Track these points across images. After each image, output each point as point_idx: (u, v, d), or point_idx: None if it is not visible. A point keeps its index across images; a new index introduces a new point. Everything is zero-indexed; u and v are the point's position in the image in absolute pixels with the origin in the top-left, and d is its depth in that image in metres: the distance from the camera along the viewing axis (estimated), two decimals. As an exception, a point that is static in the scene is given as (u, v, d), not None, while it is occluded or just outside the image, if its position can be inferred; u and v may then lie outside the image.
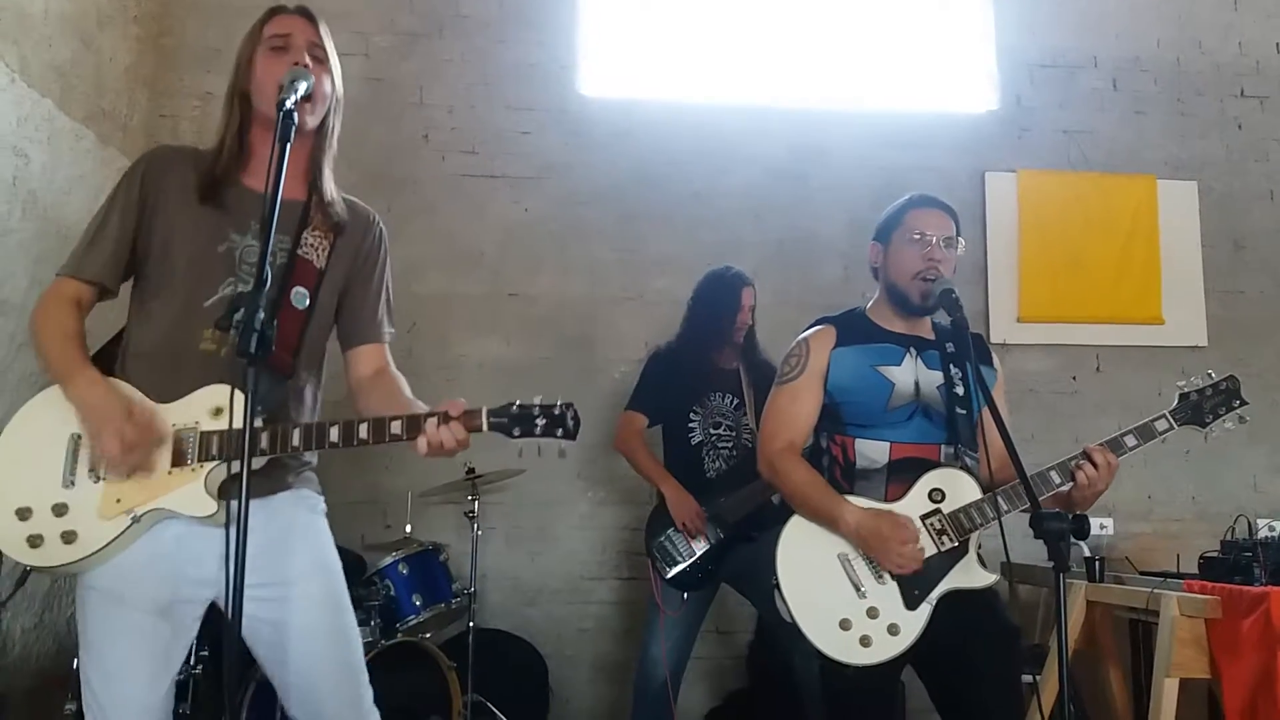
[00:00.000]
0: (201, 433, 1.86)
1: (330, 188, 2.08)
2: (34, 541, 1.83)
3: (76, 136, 3.95)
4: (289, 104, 1.82)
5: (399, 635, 3.56)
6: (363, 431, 1.84)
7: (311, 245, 2.03)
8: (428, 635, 3.69)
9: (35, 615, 3.72)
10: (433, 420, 1.83)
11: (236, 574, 1.58)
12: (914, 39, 5.12)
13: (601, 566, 4.50)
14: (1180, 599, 3.07)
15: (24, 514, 1.83)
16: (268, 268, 1.70)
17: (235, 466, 1.81)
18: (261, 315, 1.64)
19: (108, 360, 2.00)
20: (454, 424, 1.82)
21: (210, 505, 1.83)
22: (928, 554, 2.28)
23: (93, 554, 1.83)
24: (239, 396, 1.62)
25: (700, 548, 3.45)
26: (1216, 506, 4.54)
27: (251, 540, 1.78)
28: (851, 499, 2.32)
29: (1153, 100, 5.03)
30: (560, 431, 1.87)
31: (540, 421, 1.86)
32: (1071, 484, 2.27)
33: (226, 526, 1.61)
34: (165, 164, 2.03)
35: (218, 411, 1.86)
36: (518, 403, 1.87)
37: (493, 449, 4.26)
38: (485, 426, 1.85)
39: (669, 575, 3.46)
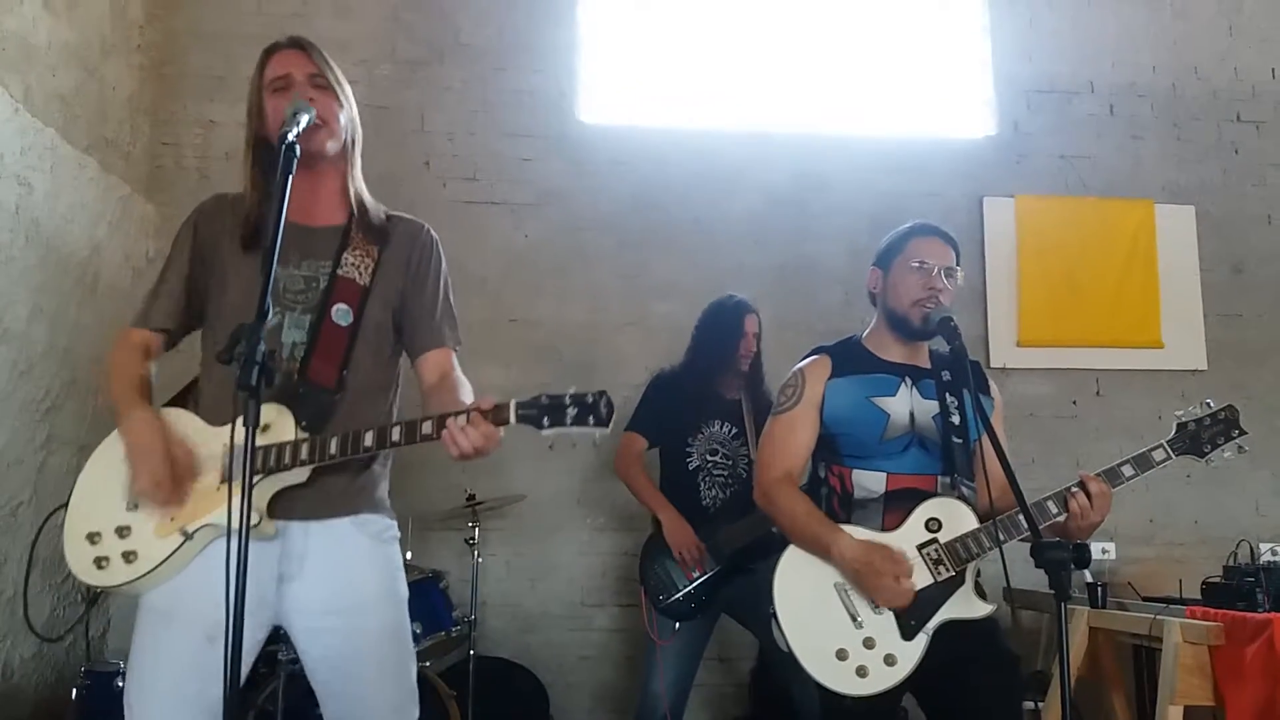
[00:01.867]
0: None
1: (370, 205, 2.14)
2: (100, 563, 1.93)
3: (79, 165, 3.97)
4: (290, 136, 1.85)
5: (399, 663, 3.53)
6: (395, 434, 1.85)
7: (352, 264, 2.08)
8: (427, 664, 3.67)
9: (34, 645, 3.70)
10: (457, 423, 1.80)
11: (237, 598, 1.58)
12: (912, 66, 5.16)
13: (602, 593, 4.48)
14: (1183, 626, 3.06)
15: (94, 538, 1.95)
16: (269, 300, 1.70)
17: (285, 479, 1.91)
18: (262, 348, 1.64)
19: (184, 402, 2.11)
20: (477, 421, 1.79)
21: (254, 517, 1.78)
22: (924, 584, 2.27)
23: (149, 572, 1.90)
24: (242, 420, 1.62)
25: (695, 577, 3.42)
26: (1219, 531, 4.53)
27: (311, 564, 1.96)
28: (847, 528, 2.31)
29: (1149, 125, 5.06)
30: (593, 419, 1.80)
31: (572, 411, 1.80)
32: (1066, 514, 2.26)
33: (228, 543, 1.60)
34: (213, 214, 2.15)
35: (266, 428, 1.91)
36: (547, 394, 1.81)
37: (492, 476, 4.26)
38: (514, 419, 1.80)
39: (662, 604, 3.43)
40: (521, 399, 1.81)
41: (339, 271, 2.06)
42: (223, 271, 2.08)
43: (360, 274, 2.08)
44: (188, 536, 1.91)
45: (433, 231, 2.21)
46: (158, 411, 2.02)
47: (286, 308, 2.02)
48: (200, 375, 2.11)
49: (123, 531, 1.94)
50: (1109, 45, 5.11)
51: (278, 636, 2.07)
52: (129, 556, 1.92)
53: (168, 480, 1.89)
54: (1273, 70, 5.17)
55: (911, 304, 2.42)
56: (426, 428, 1.84)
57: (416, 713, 2.07)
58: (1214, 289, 4.93)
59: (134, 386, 2.02)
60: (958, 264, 2.48)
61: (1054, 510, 2.27)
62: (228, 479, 1.90)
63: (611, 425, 1.79)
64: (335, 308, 2.03)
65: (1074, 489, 2.27)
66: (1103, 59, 5.09)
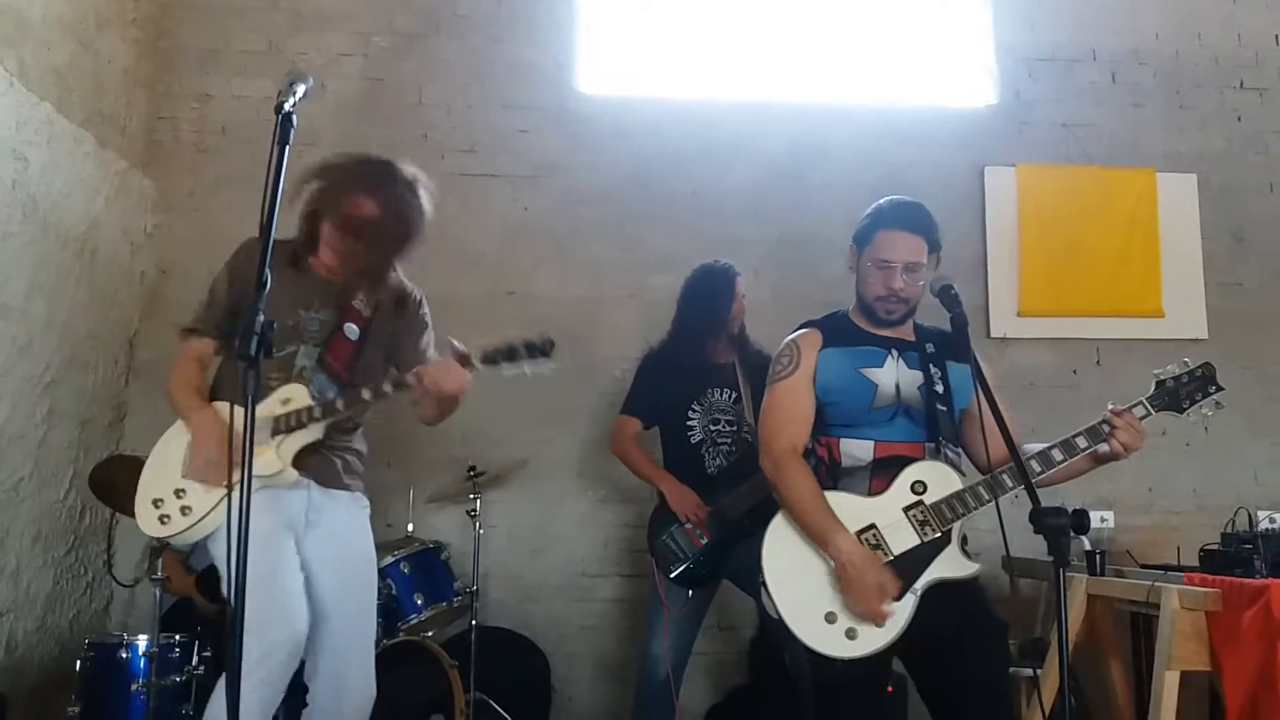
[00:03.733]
0: (275, 416, 2.47)
1: (387, 278, 2.68)
2: (163, 520, 2.47)
3: (76, 140, 3.95)
4: (287, 106, 1.87)
5: (401, 634, 3.57)
6: (386, 386, 2.44)
7: (361, 300, 2.63)
8: (430, 634, 3.70)
9: (37, 618, 3.73)
10: (430, 365, 2.43)
11: (239, 570, 1.68)
12: (912, 34, 5.12)
13: (603, 564, 4.51)
14: (1181, 592, 3.07)
15: (158, 503, 2.49)
16: (268, 271, 1.81)
17: (304, 436, 2.51)
18: (261, 319, 1.74)
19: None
20: (450, 362, 2.35)
21: (276, 465, 2.44)
22: (911, 545, 2.33)
23: (203, 518, 2.42)
24: (243, 410, 1.87)
25: (704, 544, 3.45)
26: (1217, 499, 4.54)
27: (326, 518, 2.57)
28: (838, 495, 2.36)
29: (1151, 93, 5.03)
30: (540, 355, 2.33)
31: (522, 351, 2.32)
32: (1101, 444, 2.37)
33: (235, 524, 1.76)
34: (253, 251, 2.49)
35: (286, 401, 2.49)
36: (499, 341, 2.34)
37: (493, 448, 4.27)
38: (479, 365, 2.34)
39: (673, 574, 3.45)
40: (483, 344, 2.35)
41: (352, 303, 2.61)
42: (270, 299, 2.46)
43: (365, 308, 2.63)
44: (231, 488, 2.19)
45: (418, 292, 2.78)
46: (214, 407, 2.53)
47: (303, 341, 2.56)
48: (222, 377, 2.63)
49: (180, 493, 2.46)
50: (1110, 12, 5.06)
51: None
52: (185, 510, 2.44)
53: (218, 465, 2.37)
54: (1276, 36, 5.12)
55: (875, 299, 2.49)
56: (410, 378, 2.41)
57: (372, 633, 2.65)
58: (1215, 258, 4.91)
59: (191, 389, 2.55)
60: (934, 248, 2.50)
61: (1084, 445, 2.38)
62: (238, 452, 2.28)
63: (554, 355, 2.34)
64: (346, 325, 2.60)
65: (1105, 428, 2.37)
66: (1104, 26, 5.05)
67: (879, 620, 2.25)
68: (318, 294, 2.58)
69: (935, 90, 5.07)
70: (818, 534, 2.32)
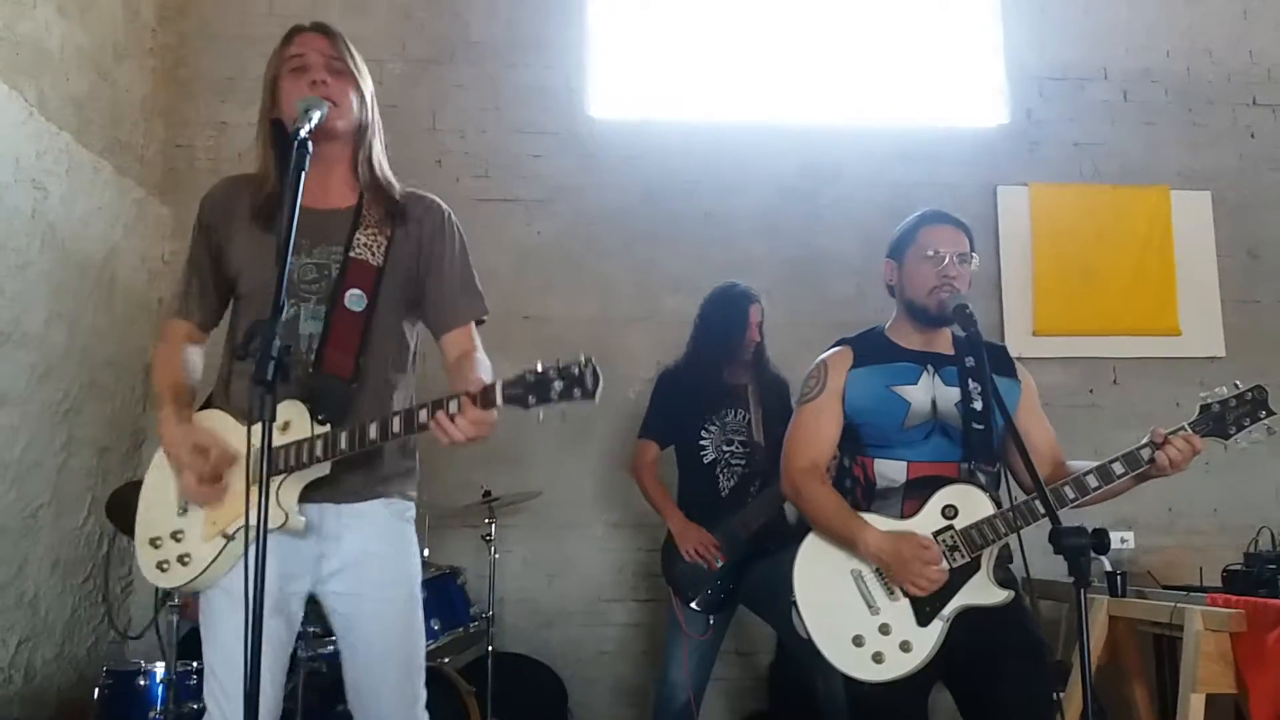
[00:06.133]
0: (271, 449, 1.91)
1: (383, 183, 2.12)
2: (162, 566, 2.01)
3: (94, 169, 3.99)
4: (303, 133, 1.85)
5: (418, 660, 3.55)
6: (395, 425, 1.86)
7: (365, 245, 2.07)
8: (446, 660, 3.69)
9: (56, 646, 3.74)
10: (446, 414, 1.80)
11: (256, 590, 1.59)
12: (923, 54, 5.13)
13: (619, 588, 4.49)
14: (1204, 613, 3.04)
15: (155, 543, 2.03)
16: (283, 297, 1.70)
17: (309, 474, 1.94)
18: (278, 343, 1.65)
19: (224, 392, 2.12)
20: (466, 408, 1.78)
21: (280, 516, 1.89)
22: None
23: (201, 573, 1.96)
24: (257, 426, 1.64)
25: (718, 567, 3.42)
26: (1238, 518, 4.49)
27: (346, 543, 2.02)
28: (869, 517, 2.33)
29: (1164, 111, 5.02)
30: (579, 391, 1.73)
31: (557, 385, 1.73)
32: (1148, 466, 2.27)
33: (257, 544, 1.61)
34: (222, 200, 2.13)
35: (287, 426, 1.93)
36: (532, 369, 1.75)
37: (509, 472, 4.27)
38: (500, 401, 1.76)
39: (694, 603, 3.42)
40: (507, 377, 1.76)
41: (351, 254, 2.04)
42: (237, 257, 2.08)
43: (373, 254, 2.07)
44: (229, 538, 1.95)
45: (445, 206, 2.20)
46: (190, 412, 2.05)
47: (301, 299, 2.01)
48: (225, 362, 2.12)
49: (177, 535, 2.01)
50: (1122, 30, 5.07)
51: (299, 634, 2.12)
52: (184, 559, 1.99)
53: (208, 478, 1.93)
54: (1288, 53, 5.12)
55: (928, 293, 2.43)
56: (423, 416, 1.83)
57: (423, 679, 2.16)
58: (1231, 275, 4.89)
59: (169, 384, 2.05)
60: (972, 249, 2.49)
61: (1120, 470, 2.26)
62: (253, 481, 1.90)
63: (599, 395, 1.72)
64: (349, 294, 2.02)
65: (1145, 452, 2.27)
66: (1116, 44, 5.05)
67: (937, 586, 2.23)
68: (305, 231, 1.94)
69: (946, 110, 5.07)
70: (844, 536, 2.31)
